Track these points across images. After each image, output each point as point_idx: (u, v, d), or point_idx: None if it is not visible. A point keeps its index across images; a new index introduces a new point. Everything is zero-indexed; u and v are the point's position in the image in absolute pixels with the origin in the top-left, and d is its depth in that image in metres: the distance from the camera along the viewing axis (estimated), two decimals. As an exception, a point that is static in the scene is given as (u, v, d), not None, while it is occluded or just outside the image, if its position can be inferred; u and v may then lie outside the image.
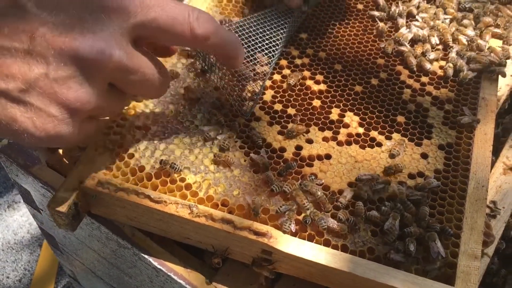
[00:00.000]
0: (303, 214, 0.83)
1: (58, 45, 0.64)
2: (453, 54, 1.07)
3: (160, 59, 0.79)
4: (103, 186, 0.82)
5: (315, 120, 0.97)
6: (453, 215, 0.84)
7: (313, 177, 0.87)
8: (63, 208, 0.80)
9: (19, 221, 1.77)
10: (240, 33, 0.99)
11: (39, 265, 1.70)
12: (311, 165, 0.90)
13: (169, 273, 0.85)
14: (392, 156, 0.91)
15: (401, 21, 1.14)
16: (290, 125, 0.94)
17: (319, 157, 0.91)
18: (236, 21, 1.03)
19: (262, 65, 1.00)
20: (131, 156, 0.87)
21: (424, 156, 0.93)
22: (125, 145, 0.89)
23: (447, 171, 0.90)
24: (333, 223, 0.81)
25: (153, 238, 0.89)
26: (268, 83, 1.02)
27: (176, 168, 0.84)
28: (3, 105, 0.64)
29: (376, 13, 1.16)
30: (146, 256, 0.87)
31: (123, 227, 0.89)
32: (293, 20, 1.08)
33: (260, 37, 1.01)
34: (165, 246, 0.89)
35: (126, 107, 0.93)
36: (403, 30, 1.12)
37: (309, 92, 1.01)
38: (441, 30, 1.11)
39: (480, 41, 1.09)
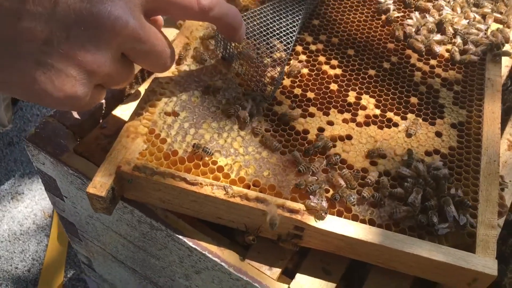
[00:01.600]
0: (331, 192, 0.87)
1: (79, 10, 0.68)
2: (458, 39, 1.12)
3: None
4: (139, 170, 0.85)
5: (333, 103, 1.01)
6: (469, 189, 0.90)
7: (338, 156, 0.91)
8: (102, 193, 0.83)
9: (24, 212, 1.78)
10: (257, 21, 1.03)
11: (48, 255, 1.72)
12: (334, 146, 0.94)
13: (203, 252, 0.89)
14: (409, 135, 0.97)
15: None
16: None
17: (341, 138, 0.96)
18: (252, 10, 1.06)
19: (279, 52, 1.04)
20: (164, 141, 0.91)
21: (439, 134, 0.98)
22: (156, 130, 0.92)
23: (460, 148, 0.96)
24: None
25: (184, 220, 0.93)
26: (286, 68, 1.06)
27: (208, 151, 0.88)
28: (24, 67, 0.67)
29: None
30: (180, 237, 0.90)
31: (155, 210, 0.93)
32: (307, 7, 1.12)
33: (277, 25, 1.05)
34: (196, 227, 0.92)
35: (154, 96, 0.96)
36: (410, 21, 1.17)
37: (325, 76, 1.06)
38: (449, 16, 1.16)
39: (480, 25, 1.15)
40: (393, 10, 1.19)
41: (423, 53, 1.11)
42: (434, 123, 1.00)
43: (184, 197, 0.86)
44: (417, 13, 1.19)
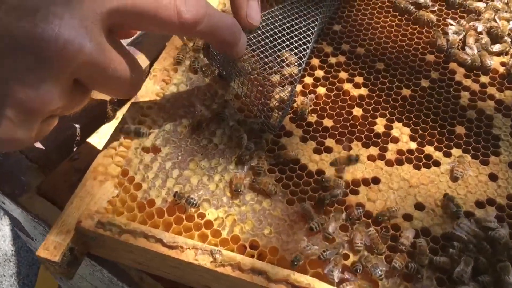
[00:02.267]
0: (351, 259, 0.67)
1: (16, 30, 0.52)
2: (518, 48, 0.90)
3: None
4: (104, 227, 0.67)
5: (357, 134, 0.80)
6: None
7: (360, 210, 0.71)
8: (55, 257, 0.65)
9: (16, 230, 1.63)
10: (264, 29, 0.82)
11: (39, 279, 1.57)
12: (356, 192, 0.74)
13: (187, 328, 0.70)
14: (454, 178, 0.75)
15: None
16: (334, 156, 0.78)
17: (365, 182, 0.75)
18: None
19: (290, 66, 0.83)
20: (139, 186, 0.72)
21: (493, 177, 0.76)
22: (131, 172, 0.73)
23: (522, 197, 0.74)
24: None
25: (164, 282, 0.74)
26: (298, 87, 0.85)
27: (193, 203, 0.69)
28: None
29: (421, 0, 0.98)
30: (158, 307, 0.72)
31: (129, 270, 0.74)
32: (325, 9, 0.91)
33: (287, 32, 0.84)
34: (180, 291, 0.74)
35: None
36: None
37: (347, 98, 0.85)
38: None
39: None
40: (431, 11, 0.97)
41: (471, 67, 0.89)
42: (487, 161, 0.78)
43: (161, 261, 0.68)
44: (462, 19, 0.96)
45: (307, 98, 0.83)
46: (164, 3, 0.60)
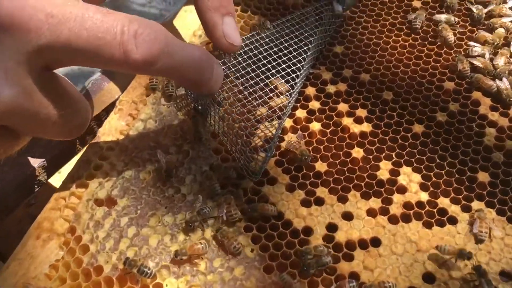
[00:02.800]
0: None
1: None
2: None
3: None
4: (40, 300, 0.56)
5: (355, 182, 0.67)
6: None
7: (353, 283, 0.57)
8: (-19, 336, 0.54)
9: None
10: (247, 54, 0.69)
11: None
12: (350, 258, 0.60)
13: None
14: (480, 241, 0.61)
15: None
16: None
17: (363, 244, 0.62)
18: (244, 37, 0.73)
19: (280, 97, 0.70)
20: (86, 249, 0.60)
21: (524, 240, 0.62)
22: (78, 230, 0.62)
23: (561, 267, 0.59)
24: None
25: None
26: (288, 123, 0.72)
27: (146, 272, 0.57)
28: None
29: (442, 17, 0.83)
30: None
31: None
32: (324, 28, 0.77)
33: (278, 56, 0.71)
34: None
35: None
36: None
37: (346, 136, 0.71)
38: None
39: None
40: (451, 28, 0.82)
41: (500, 98, 0.74)
42: (517, 218, 0.63)
43: None
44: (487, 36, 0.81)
45: (297, 136, 0.70)
46: (107, 40, 0.49)
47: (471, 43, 0.79)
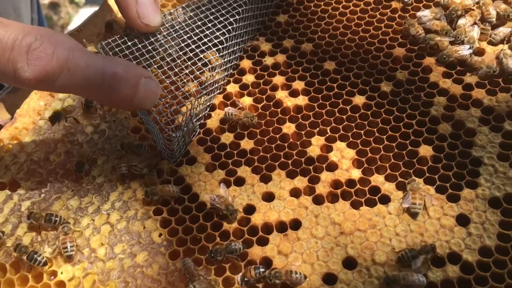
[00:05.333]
0: None
1: None
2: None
3: None
4: None
5: (282, 159, 0.61)
6: None
7: (261, 269, 0.51)
8: None
9: None
10: (174, 28, 0.64)
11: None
12: (264, 242, 0.55)
13: None
14: (413, 214, 0.54)
15: None
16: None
17: (281, 226, 0.56)
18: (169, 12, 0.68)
19: (208, 70, 0.65)
20: (-18, 234, 0.57)
21: (463, 220, 0.54)
22: (-21, 214, 0.58)
23: (503, 250, 0.51)
24: None
25: None
26: (218, 98, 0.67)
27: (37, 260, 0.53)
28: None
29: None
30: None
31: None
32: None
33: (208, 26, 0.65)
34: None
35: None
36: None
37: (279, 111, 0.65)
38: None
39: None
40: None
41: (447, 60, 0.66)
42: (458, 196, 0.56)
43: (0, 333, 0.53)
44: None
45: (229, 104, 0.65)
46: None
47: (418, 13, 0.70)
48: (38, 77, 0.46)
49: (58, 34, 0.49)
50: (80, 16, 2.33)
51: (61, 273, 0.54)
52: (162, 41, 0.64)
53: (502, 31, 0.67)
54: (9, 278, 0.54)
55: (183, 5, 0.68)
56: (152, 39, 0.64)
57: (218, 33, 0.65)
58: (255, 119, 0.63)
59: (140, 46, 0.63)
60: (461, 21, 0.69)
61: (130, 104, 0.54)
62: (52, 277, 0.54)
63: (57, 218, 0.55)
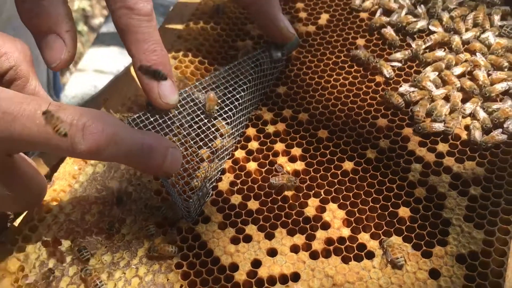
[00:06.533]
0: None
1: None
2: (481, 113, 0.77)
3: None
4: (-14, 335, 0.63)
5: (283, 218, 0.72)
6: None
7: (266, 318, 0.62)
8: None
9: None
10: (191, 102, 0.77)
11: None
12: (271, 295, 0.65)
13: None
14: (399, 266, 0.65)
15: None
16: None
17: (283, 279, 0.66)
18: (194, 84, 0.80)
19: (223, 138, 0.76)
20: (31, 287, 0.67)
21: (435, 274, 0.65)
22: (26, 269, 0.69)
23: (467, 300, 0.62)
24: None
25: None
26: (227, 163, 0.78)
27: (79, 309, 0.63)
28: None
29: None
30: None
31: None
32: (263, 74, 0.83)
33: (219, 101, 0.78)
34: None
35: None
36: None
37: (280, 175, 0.76)
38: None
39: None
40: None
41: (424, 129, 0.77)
42: (430, 253, 0.67)
43: None
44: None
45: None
46: (55, 134, 0.55)
47: (400, 89, 0.83)
48: (91, 149, 0.57)
49: (106, 114, 0.60)
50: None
51: (100, 320, 0.64)
52: (179, 116, 0.76)
53: (469, 107, 0.79)
54: (54, 324, 0.64)
55: (196, 84, 0.80)
56: (170, 115, 0.75)
57: (226, 109, 0.77)
58: (297, 182, 0.73)
59: (160, 121, 0.75)
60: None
61: (159, 171, 0.65)
62: (90, 326, 0.64)
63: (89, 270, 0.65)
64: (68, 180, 0.77)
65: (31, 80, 0.67)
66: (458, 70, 0.83)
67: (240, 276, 0.67)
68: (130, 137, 0.60)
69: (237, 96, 0.78)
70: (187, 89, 0.79)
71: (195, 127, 0.76)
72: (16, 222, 0.76)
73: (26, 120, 0.55)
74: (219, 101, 0.78)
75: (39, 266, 0.68)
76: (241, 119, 0.79)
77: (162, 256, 0.68)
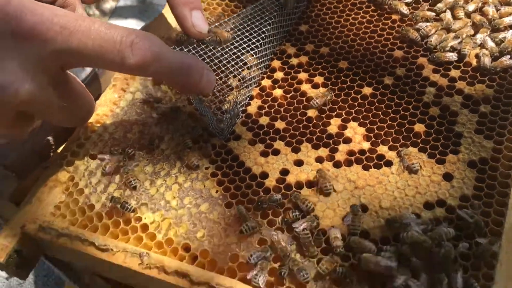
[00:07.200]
0: (279, 263, 0.65)
1: None
2: (489, 42, 0.83)
3: None
4: (44, 231, 0.70)
5: (308, 135, 0.78)
6: (483, 262, 0.63)
7: (296, 212, 0.69)
8: (0, 258, 0.69)
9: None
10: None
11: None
12: (304, 203, 0.71)
13: (129, 331, 0.71)
14: (414, 171, 0.71)
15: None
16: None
17: (309, 184, 0.73)
18: (221, 21, 0.87)
19: (247, 69, 0.83)
20: (81, 192, 0.74)
21: (448, 177, 0.71)
22: (76, 178, 0.76)
23: (478, 197, 0.68)
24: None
25: (113, 283, 0.76)
26: (255, 90, 0.84)
27: (127, 208, 0.70)
28: None
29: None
30: (104, 309, 0.74)
31: (82, 271, 0.77)
32: (286, 12, 0.89)
33: (246, 35, 0.84)
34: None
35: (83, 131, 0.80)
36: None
37: (304, 99, 0.83)
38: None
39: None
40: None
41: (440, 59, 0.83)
42: (444, 160, 0.73)
43: (98, 263, 0.69)
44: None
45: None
46: (108, 48, 0.61)
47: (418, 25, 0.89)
48: (139, 64, 0.63)
49: (151, 34, 0.66)
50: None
51: (144, 218, 0.71)
52: (210, 47, 0.83)
53: (479, 37, 0.85)
54: (105, 223, 0.71)
55: (226, 20, 0.86)
56: (202, 46, 0.82)
57: (254, 40, 0.83)
58: (332, 97, 0.81)
59: (193, 52, 0.81)
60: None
61: (196, 88, 0.71)
62: (138, 221, 0.71)
63: (129, 207, 0.71)
64: (110, 106, 0.84)
65: (77, 8, 0.74)
66: (470, 7, 0.89)
67: (270, 182, 0.73)
68: (172, 56, 0.67)
69: (264, 29, 0.84)
70: (217, 24, 0.86)
71: (226, 55, 0.82)
72: (59, 150, 0.83)
73: (81, 35, 0.60)
74: (246, 34, 0.84)
75: (88, 175, 0.75)
76: (266, 52, 0.85)
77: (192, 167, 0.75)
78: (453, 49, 0.84)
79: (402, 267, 0.61)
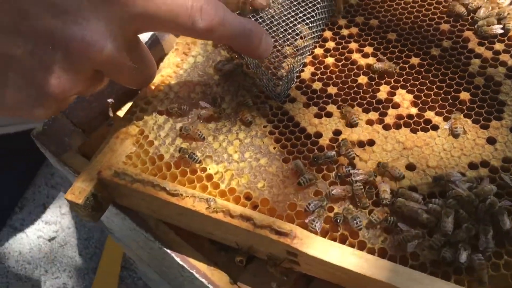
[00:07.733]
0: (335, 211, 0.72)
1: (50, 28, 0.61)
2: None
3: None
4: (119, 176, 0.77)
5: (359, 100, 0.84)
6: (523, 216, 0.68)
7: (349, 168, 0.75)
8: (79, 200, 0.77)
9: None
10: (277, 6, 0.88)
11: (107, 245, 1.76)
12: (350, 157, 0.78)
13: (191, 270, 0.79)
14: (456, 135, 0.76)
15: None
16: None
17: (360, 143, 0.79)
18: None
19: (301, 38, 0.88)
20: (151, 143, 0.81)
21: (491, 141, 0.77)
22: (146, 131, 0.83)
23: (520, 160, 0.74)
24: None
25: (180, 231, 0.83)
26: (308, 58, 0.90)
27: (195, 158, 0.77)
28: None
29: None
30: (168, 251, 0.81)
31: (147, 218, 0.84)
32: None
33: (298, 7, 0.89)
34: (190, 240, 0.82)
35: (151, 89, 0.87)
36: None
37: (355, 67, 0.88)
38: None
39: None
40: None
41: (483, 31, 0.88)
42: (488, 126, 0.78)
43: (168, 208, 0.77)
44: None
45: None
46: (180, 13, 0.67)
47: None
48: (207, 28, 0.69)
49: (216, 1, 0.72)
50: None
51: (209, 169, 0.78)
52: (267, 16, 0.88)
53: (524, 11, 0.89)
54: (173, 172, 0.78)
55: None
56: (258, 16, 0.87)
57: (309, 10, 0.89)
58: (397, 69, 0.85)
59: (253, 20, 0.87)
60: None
61: (256, 52, 0.77)
62: (203, 171, 0.78)
63: (196, 157, 0.77)
64: (173, 68, 0.90)
65: None
66: (514, -15, 0.93)
67: (324, 141, 0.80)
68: (235, 21, 0.73)
69: (318, 0, 0.90)
70: None
71: (282, 24, 0.88)
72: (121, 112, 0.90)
73: (158, 0, 0.67)
74: (302, 4, 0.89)
75: (157, 129, 0.82)
76: (319, 22, 0.91)
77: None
78: (498, 23, 0.88)
79: (464, 243, 0.66)
